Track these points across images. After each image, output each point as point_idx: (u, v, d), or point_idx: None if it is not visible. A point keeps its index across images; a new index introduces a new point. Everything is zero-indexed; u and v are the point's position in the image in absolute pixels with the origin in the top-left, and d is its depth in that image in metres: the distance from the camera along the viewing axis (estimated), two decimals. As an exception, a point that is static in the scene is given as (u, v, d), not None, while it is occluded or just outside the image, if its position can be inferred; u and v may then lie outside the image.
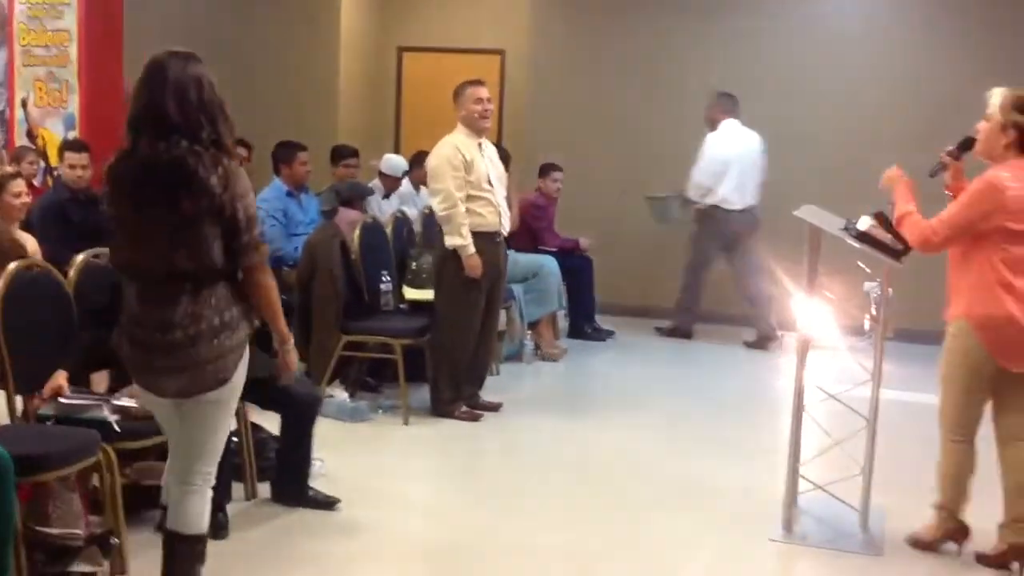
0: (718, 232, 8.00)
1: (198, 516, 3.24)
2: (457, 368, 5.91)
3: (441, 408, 5.89)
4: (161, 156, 3.01)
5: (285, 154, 7.09)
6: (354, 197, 6.96)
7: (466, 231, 5.65)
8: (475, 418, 5.87)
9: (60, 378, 3.84)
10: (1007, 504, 4.18)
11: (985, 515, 4.23)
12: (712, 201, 7.93)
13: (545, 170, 7.99)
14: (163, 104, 3.01)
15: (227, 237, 3.07)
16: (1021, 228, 3.96)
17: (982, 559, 4.20)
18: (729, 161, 7.84)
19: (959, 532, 4.29)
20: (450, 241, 5.68)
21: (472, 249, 5.66)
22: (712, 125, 7.99)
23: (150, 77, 3.06)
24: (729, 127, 7.97)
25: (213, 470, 3.26)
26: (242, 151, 6.88)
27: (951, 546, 4.30)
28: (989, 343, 4.02)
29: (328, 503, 4.45)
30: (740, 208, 7.92)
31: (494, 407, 6.05)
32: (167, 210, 3.01)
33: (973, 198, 4.01)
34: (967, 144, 4.19)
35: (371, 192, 7.35)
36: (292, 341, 3.37)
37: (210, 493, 3.27)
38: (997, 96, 4.06)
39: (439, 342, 5.86)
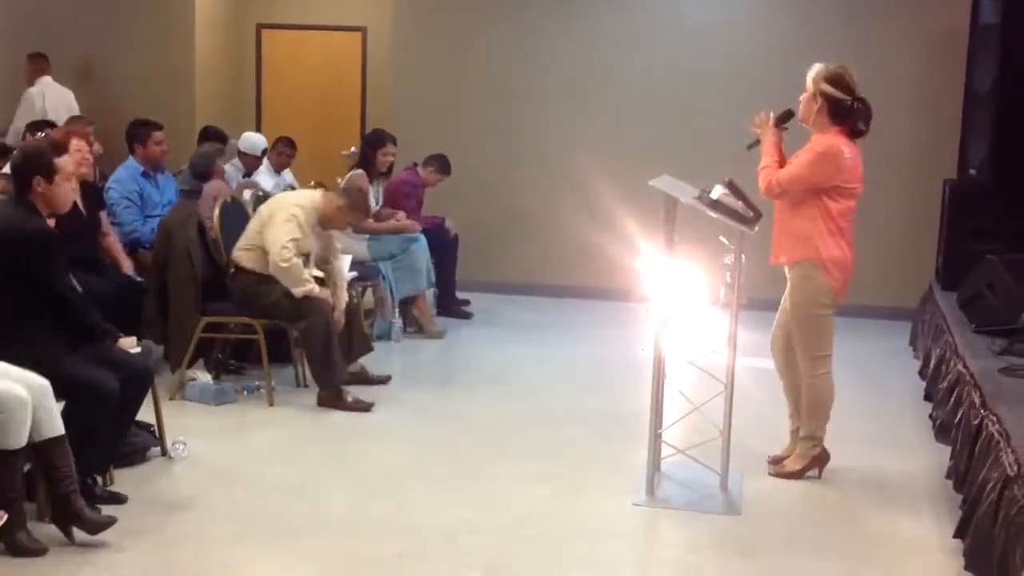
0: None
1: None
2: (332, 350, 5.67)
3: (329, 401, 5.67)
4: None
5: (139, 133, 6.89)
6: (207, 166, 6.78)
7: None
8: (365, 407, 5.65)
9: None
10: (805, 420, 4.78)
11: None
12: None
13: (429, 162, 7.99)
14: None
15: None
16: (851, 187, 4.60)
17: (782, 474, 4.76)
18: (46, 111, 8.50)
19: (822, 458, 4.77)
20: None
21: None
22: (31, 82, 8.85)
23: None
24: (44, 83, 8.82)
25: None
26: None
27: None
28: (833, 281, 4.59)
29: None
30: None
31: (383, 380, 6.12)
32: None
33: (816, 162, 4.52)
34: (786, 116, 4.66)
35: (217, 153, 7.12)
36: None
37: None
38: (813, 70, 4.59)
39: (305, 331, 5.69)
